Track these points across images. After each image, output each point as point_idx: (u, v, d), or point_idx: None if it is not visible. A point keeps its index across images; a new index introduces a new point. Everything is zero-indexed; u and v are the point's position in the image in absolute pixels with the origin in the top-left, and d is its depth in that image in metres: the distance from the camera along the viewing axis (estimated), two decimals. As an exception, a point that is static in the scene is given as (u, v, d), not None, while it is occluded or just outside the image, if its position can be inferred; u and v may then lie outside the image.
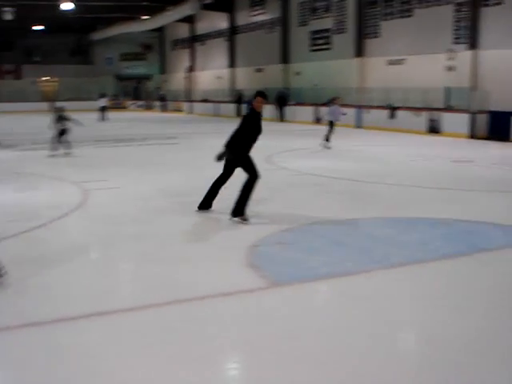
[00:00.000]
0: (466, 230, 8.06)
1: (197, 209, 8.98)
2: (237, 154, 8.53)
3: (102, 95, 37.56)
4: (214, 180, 8.95)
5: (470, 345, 4.47)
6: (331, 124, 18.81)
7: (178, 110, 47.89)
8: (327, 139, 18.68)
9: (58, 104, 28.29)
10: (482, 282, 5.93)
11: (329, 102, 19.78)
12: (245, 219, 8.31)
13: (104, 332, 4.73)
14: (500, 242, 7.46)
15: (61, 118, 16.83)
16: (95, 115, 35.69)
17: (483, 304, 5.34)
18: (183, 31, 51.15)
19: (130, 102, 55.16)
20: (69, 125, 16.84)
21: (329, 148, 18.35)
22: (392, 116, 27.17)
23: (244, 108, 38.70)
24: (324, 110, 20.42)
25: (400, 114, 26.94)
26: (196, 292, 5.58)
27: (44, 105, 47.94)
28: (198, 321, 4.93)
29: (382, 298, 5.45)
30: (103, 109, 36.06)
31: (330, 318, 5.03)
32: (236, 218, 8.37)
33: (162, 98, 50.07)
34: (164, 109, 48.96)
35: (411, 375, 4.04)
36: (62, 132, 16.74)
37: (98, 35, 55.54)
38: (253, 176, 8.42)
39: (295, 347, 4.43)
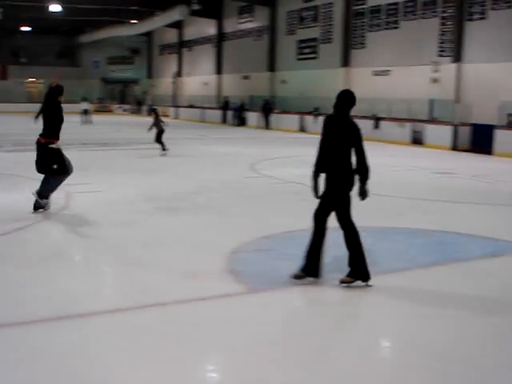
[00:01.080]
0: (442, 241, 8.21)
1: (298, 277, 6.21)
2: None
3: (84, 99, 37.59)
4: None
5: (442, 351, 4.58)
6: None
7: (165, 115, 47.94)
8: None
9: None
10: (456, 292, 6.06)
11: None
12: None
13: (79, 333, 4.79)
14: (475, 253, 7.61)
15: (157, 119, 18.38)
16: (80, 118, 35.73)
17: (456, 312, 5.46)
18: (171, 36, 51.24)
19: (116, 106, 55.15)
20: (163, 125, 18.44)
21: None
22: (376, 126, 27.40)
23: (230, 115, 38.85)
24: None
25: (384, 124, 27.19)
26: (174, 296, 5.66)
27: (29, 106, 47.83)
28: (176, 324, 5.01)
29: (355, 304, 5.58)
30: (85, 112, 36.09)
31: (305, 323, 5.14)
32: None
33: (139, 103, 50.36)
34: (136, 112, 49.33)
35: (385, 378, 4.16)
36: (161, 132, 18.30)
37: (85, 38, 55.53)
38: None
39: (271, 351, 4.53)
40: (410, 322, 5.19)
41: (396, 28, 29.15)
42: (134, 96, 56.53)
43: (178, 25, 47.79)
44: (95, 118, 37.37)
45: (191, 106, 45.06)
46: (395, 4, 28.99)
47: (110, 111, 53.35)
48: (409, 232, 8.61)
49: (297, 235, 8.27)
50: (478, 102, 23.80)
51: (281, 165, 16.90)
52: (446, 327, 5.09)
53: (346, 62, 32.06)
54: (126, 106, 54.50)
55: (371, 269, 6.24)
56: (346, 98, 6.11)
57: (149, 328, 4.90)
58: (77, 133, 25.86)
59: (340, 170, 6.10)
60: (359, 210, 10.37)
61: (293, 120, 32.90)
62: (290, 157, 18.99)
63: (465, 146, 23.48)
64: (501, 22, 24.10)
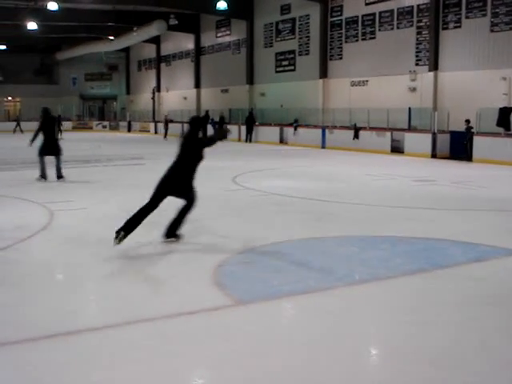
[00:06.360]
0: (425, 248, 8.27)
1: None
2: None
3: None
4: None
5: (432, 358, 4.61)
6: None
7: (145, 131, 47.90)
8: None
9: None
10: (442, 297, 6.10)
11: None
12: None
13: (70, 351, 4.77)
14: (458, 259, 7.68)
15: None
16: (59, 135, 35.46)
17: (443, 318, 5.51)
18: (149, 52, 51.34)
19: (96, 123, 55.01)
20: None
21: None
22: (356, 136, 27.59)
23: (210, 128, 38.92)
24: None
25: (364, 134, 27.39)
26: (162, 311, 5.66)
27: (7, 125, 47.47)
28: (164, 339, 5.01)
29: (344, 314, 5.60)
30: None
31: (293, 334, 5.15)
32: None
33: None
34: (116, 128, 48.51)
35: (371, 388, 4.19)
36: None
37: (62, 55, 55.41)
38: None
39: (260, 364, 4.53)
40: (398, 330, 5.22)
41: (373, 38, 29.43)
42: (112, 112, 56.45)
43: (155, 40, 47.91)
44: (75, 135, 37.22)
45: (171, 121, 45.04)
46: (372, 15, 29.29)
47: (89, 128, 53.19)
48: (392, 240, 8.67)
49: (282, 246, 8.31)
50: (455, 109, 24.07)
51: (263, 177, 16.95)
52: (435, 333, 5.13)
53: (324, 73, 32.28)
54: (106, 123, 54.39)
55: (357, 278, 6.28)
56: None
57: (138, 344, 4.89)
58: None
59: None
60: (343, 219, 10.51)
61: (273, 132, 33.03)
62: (271, 169, 19.07)
63: (444, 153, 23.70)
64: (475, 29, 24.46)
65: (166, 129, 39.63)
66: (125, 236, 7.92)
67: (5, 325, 5.32)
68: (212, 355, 4.69)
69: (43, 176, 15.46)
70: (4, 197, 12.92)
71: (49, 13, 35.66)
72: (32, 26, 39.31)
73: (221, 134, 8.70)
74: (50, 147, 15.39)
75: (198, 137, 8.39)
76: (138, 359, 4.59)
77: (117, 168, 19.75)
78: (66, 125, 50.07)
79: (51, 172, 15.34)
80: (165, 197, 8.30)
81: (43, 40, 49.31)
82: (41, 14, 36.82)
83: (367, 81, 29.78)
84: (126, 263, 7.42)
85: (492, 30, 23.95)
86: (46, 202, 11.96)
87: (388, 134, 26.15)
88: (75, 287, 6.53)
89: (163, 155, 24.80)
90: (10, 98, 57.53)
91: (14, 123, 45.84)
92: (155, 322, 5.41)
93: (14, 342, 4.95)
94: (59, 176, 15.53)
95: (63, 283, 6.90)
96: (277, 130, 32.87)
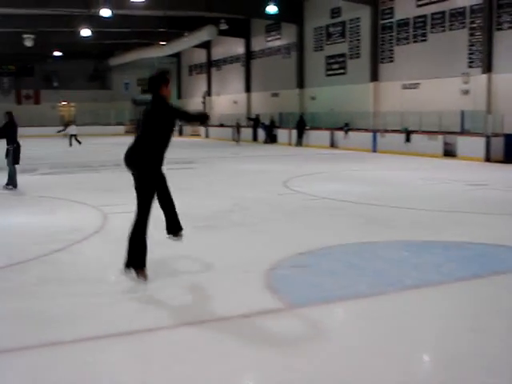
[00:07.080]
0: (480, 253, 8.13)
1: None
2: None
3: (70, 122, 37.56)
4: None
5: (487, 365, 4.55)
6: None
7: (196, 135, 48.31)
8: None
9: None
10: (497, 304, 6.00)
11: None
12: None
13: (125, 351, 4.87)
14: (514, 265, 7.54)
15: None
16: (113, 140, 36.10)
17: (499, 325, 5.42)
18: (200, 56, 51.75)
19: (148, 127, 55.64)
20: None
21: None
22: (407, 140, 27.30)
23: (260, 132, 39.07)
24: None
25: (415, 137, 27.07)
26: (214, 314, 5.71)
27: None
28: (217, 341, 5.05)
29: (396, 319, 5.55)
30: (72, 136, 35.05)
31: (345, 338, 5.14)
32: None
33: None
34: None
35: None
36: None
37: (115, 61, 56.31)
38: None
39: (312, 369, 4.53)
40: (452, 336, 5.15)
41: (424, 41, 29.08)
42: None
43: (206, 45, 48.25)
44: (129, 139, 37.71)
45: (221, 125, 45.32)
46: (423, 17, 28.93)
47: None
48: (446, 245, 8.56)
49: (333, 251, 8.29)
50: (510, 112, 23.59)
51: (313, 181, 16.92)
52: (491, 341, 5.04)
53: (374, 76, 32.01)
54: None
55: (409, 283, 6.22)
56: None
57: (192, 345, 4.95)
58: (111, 154, 26.15)
59: None
60: (394, 224, 10.41)
61: (323, 136, 32.93)
62: (321, 173, 19.00)
63: (498, 157, 23.26)
64: (531, 30, 23.92)
65: (239, 133, 39.51)
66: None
67: (64, 324, 5.44)
68: (265, 358, 4.71)
69: (14, 184, 14.75)
70: (59, 199, 13.20)
71: (102, 20, 36.26)
72: (86, 32, 40.00)
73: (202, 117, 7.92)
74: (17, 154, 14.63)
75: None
76: (193, 360, 4.65)
77: (169, 172, 19.91)
78: (118, 129, 51.12)
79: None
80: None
81: (96, 46, 50.22)
82: (94, 20, 37.43)
83: (419, 84, 29.42)
84: (178, 266, 7.50)
85: (548, 31, 23.42)
86: (99, 204, 12.18)
87: (440, 137, 25.80)
88: (130, 289, 6.62)
89: (214, 159, 25.04)
90: (64, 103, 58.72)
91: (64, 127, 46.80)
92: (208, 324, 5.46)
93: (71, 341, 5.06)
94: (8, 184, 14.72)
95: (116, 285, 7.00)
96: (327, 133, 32.76)
